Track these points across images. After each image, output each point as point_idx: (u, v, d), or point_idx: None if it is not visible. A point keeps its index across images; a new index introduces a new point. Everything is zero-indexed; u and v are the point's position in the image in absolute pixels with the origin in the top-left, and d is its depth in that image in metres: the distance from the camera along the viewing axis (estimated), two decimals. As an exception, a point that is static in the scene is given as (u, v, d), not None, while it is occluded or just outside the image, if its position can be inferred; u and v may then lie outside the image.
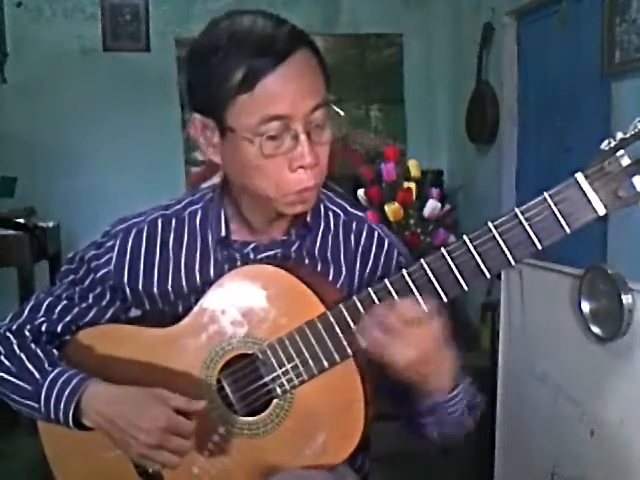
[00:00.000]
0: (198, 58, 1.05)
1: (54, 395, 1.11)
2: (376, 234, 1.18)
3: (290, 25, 1.05)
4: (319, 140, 1.05)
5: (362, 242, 1.17)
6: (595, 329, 1.59)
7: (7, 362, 1.17)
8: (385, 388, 1.14)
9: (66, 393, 1.11)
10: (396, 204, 3.10)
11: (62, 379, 1.12)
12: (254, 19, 1.04)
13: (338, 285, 1.15)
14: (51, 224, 3.50)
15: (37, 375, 1.14)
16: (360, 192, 3.23)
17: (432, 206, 3.19)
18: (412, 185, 3.19)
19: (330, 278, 1.15)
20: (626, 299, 1.47)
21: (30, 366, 1.15)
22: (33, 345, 1.19)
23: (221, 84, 1.01)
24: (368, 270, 1.17)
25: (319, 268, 1.15)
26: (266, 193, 1.06)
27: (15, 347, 1.18)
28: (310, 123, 1.03)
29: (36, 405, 1.13)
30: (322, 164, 1.07)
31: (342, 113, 1.08)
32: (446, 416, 1.09)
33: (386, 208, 3.10)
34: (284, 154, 1.03)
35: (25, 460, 2.61)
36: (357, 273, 1.16)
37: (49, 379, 1.12)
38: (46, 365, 1.15)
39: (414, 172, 3.25)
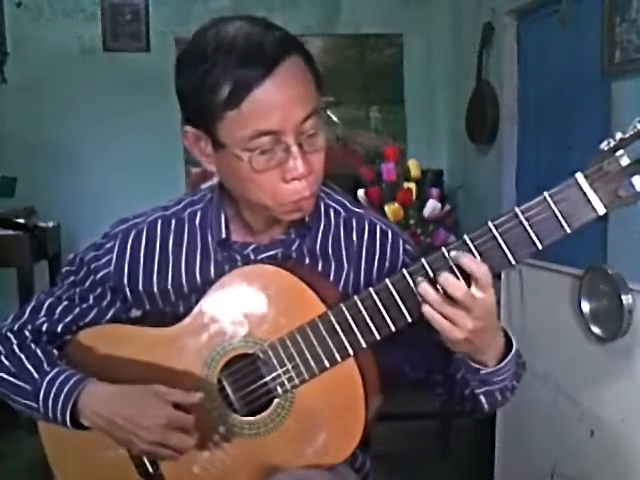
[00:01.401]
0: (185, 70, 1.03)
1: (52, 395, 1.11)
2: (378, 227, 1.18)
3: (279, 31, 1.02)
4: (312, 149, 1.03)
5: (365, 237, 1.17)
6: (595, 329, 1.59)
7: (7, 362, 1.18)
8: (436, 370, 1.15)
9: (63, 393, 1.11)
10: (396, 204, 3.10)
11: (60, 379, 1.12)
12: (240, 26, 1.01)
13: (341, 282, 1.15)
14: (51, 224, 3.50)
15: (36, 375, 1.14)
16: (360, 192, 3.23)
17: (432, 206, 3.19)
18: (412, 185, 3.19)
19: (332, 276, 1.15)
20: (626, 299, 1.47)
21: (29, 366, 1.16)
22: (33, 345, 1.19)
23: (209, 99, 0.99)
24: (376, 264, 1.16)
25: (320, 266, 1.15)
26: (263, 202, 1.06)
27: (15, 347, 1.19)
28: (302, 133, 1.01)
29: (35, 405, 1.14)
30: (317, 171, 1.06)
31: (336, 119, 1.07)
32: (497, 385, 1.07)
33: (386, 208, 3.10)
34: (276, 167, 1.02)
35: (25, 459, 2.61)
36: (363, 268, 1.16)
37: (47, 379, 1.13)
38: (45, 365, 1.15)
39: (414, 172, 3.25)
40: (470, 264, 0.94)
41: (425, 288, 0.96)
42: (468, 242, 0.95)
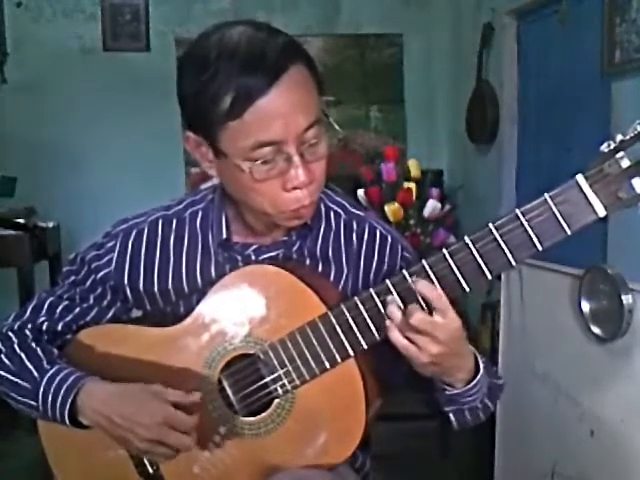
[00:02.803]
0: (187, 75, 1.02)
1: (51, 393, 1.12)
2: (378, 232, 1.18)
3: (282, 39, 1.01)
4: (314, 157, 1.03)
5: (365, 241, 1.17)
6: (595, 329, 1.59)
7: (7, 361, 1.18)
8: (403, 380, 1.15)
9: (62, 391, 1.11)
10: (396, 204, 3.10)
11: (59, 377, 1.12)
12: (244, 32, 0.99)
13: (340, 284, 1.15)
14: (51, 224, 3.50)
15: (35, 374, 1.14)
16: (360, 192, 3.23)
17: (432, 206, 3.19)
18: (412, 185, 3.19)
19: (332, 278, 1.15)
20: (626, 299, 1.47)
21: (29, 365, 1.16)
22: (34, 344, 1.19)
23: (210, 108, 0.98)
24: (374, 268, 1.17)
25: (320, 268, 1.15)
26: (263, 209, 1.06)
27: (16, 346, 1.19)
28: (304, 143, 1.01)
29: (34, 403, 1.14)
30: (318, 179, 1.06)
31: (338, 127, 1.07)
32: (465, 405, 1.09)
33: (386, 208, 3.10)
34: (277, 177, 1.02)
35: (25, 459, 2.61)
36: (362, 272, 1.16)
37: (47, 377, 1.13)
38: (44, 364, 1.15)
39: (414, 172, 3.25)
40: (423, 291, 0.97)
41: (393, 311, 0.99)
42: (469, 243, 0.95)
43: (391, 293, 1.00)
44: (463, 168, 4.05)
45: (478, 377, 1.06)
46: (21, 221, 3.28)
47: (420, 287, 0.97)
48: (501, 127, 3.49)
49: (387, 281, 1.00)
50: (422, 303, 0.98)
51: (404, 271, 0.99)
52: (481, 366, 1.07)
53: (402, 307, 0.99)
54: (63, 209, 3.81)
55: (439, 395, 1.08)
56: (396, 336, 0.99)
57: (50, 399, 1.12)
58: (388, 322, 1.00)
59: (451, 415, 1.11)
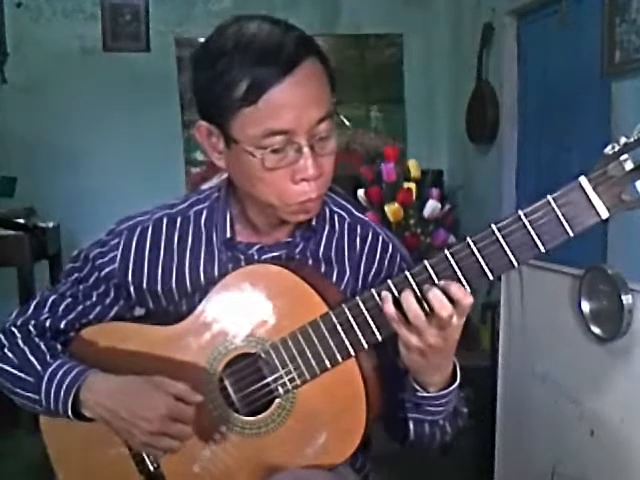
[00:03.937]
0: (203, 64, 1.04)
1: (54, 386, 1.12)
2: (381, 238, 1.19)
3: (298, 33, 1.03)
4: (323, 152, 1.04)
5: (367, 245, 1.18)
6: (595, 329, 1.59)
7: (10, 355, 1.18)
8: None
9: (65, 384, 1.11)
10: (396, 204, 3.11)
11: (62, 370, 1.12)
12: (261, 26, 1.02)
13: (342, 287, 1.16)
14: (51, 224, 3.51)
15: (39, 367, 1.15)
16: (360, 192, 3.23)
17: (432, 206, 3.20)
18: (412, 185, 3.20)
19: (334, 280, 1.16)
20: (626, 299, 1.47)
21: (32, 359, 1.16)
22: (37, 339, 1.20)
23: (225, 94, 1.00)
24: (372, 272, 1.17)
25: (323, 270, 1.16)
26: (269, 202, 1.07)
27: (19, 341, 1.19)
28: (314, 136, 1.02)
29: (37, 397, 1.14)
30: (326, 174, 1.06)
31: (348, 123, 1.08)
32: (428, 416, 1.09)
33: (386, 208, 3.11)
34: (287, 167, 1.03)
35: (25, 459, 2.61)
36: (361, 275, 1.17)
37: (50, 370, 1.13)
38: (48, 357, 1.16)
39: (414, 172, 3.26)
40: (459, 294, 0.95)
41: (408, 297, 0.96)
42: (471, 244, 0.95)
43: (392, 293, 1.00)
44: (463, 168, 4.05)
45: (452, 387, 1.07)
46: (21, 221, 3.28)
47: (455, 289, 0.94)
48: (501, 127, 3.49)
49: (389, 281, 1.00)
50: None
51: (406, 272, 0.99)
52: (458, 375, 1.07)
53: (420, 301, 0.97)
54: (63, 209, 3.81)
55: (408, 396, 1.08)
56: (392, 310, 0.97)
57: (53, 392, 1.12)
58: (384, 293, 0.97)
59: (411, 423, 1.11)
